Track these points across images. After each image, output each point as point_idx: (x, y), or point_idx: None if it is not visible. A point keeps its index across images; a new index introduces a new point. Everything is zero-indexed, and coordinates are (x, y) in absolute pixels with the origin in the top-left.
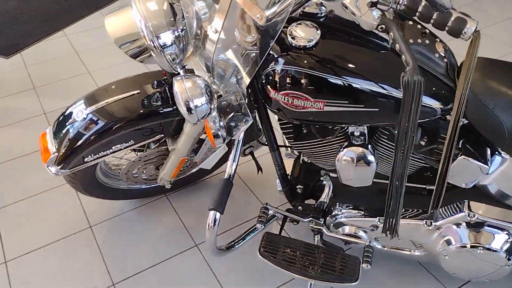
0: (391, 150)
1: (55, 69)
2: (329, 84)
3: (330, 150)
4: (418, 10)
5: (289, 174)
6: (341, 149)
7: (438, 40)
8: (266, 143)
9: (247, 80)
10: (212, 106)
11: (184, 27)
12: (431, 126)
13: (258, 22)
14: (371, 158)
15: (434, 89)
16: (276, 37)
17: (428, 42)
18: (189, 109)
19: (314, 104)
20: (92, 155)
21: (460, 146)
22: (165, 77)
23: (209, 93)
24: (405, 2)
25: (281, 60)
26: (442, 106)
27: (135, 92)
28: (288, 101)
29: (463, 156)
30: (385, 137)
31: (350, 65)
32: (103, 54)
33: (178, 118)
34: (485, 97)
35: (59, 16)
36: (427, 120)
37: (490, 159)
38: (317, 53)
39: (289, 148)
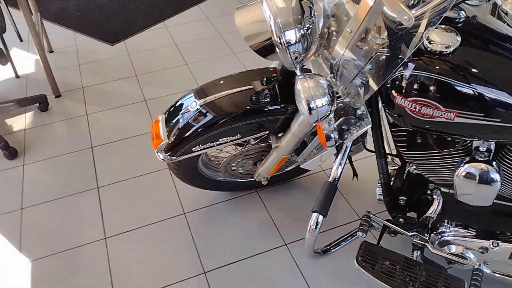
0: None
1: (155, 58)
2: (464, 94)
3: (447, 163)
4: None
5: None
6: (462, 164)
7: None
8: (372, 149)
9: (374, 86)
10: (332, 108)
11: (311, 26)
12: None
13: (405, 23)
14: (496, 176)
15: None
16: (419, 42)
17: None
18: (310, 109)
19: (444, 114)
20: (200, 145)
21: None
22: (275, 75)
23: (331, 94)
24: None
25: (411, 65)
26: None
27: (244, 88)
28: (415, 108)
29: None
30: None
31: (490, 76)
32: (200, 47)
33: (285, 116)
34: None
35: (162, 8)
36: None
37: None
38: (454, 60)
39: (392, 157)
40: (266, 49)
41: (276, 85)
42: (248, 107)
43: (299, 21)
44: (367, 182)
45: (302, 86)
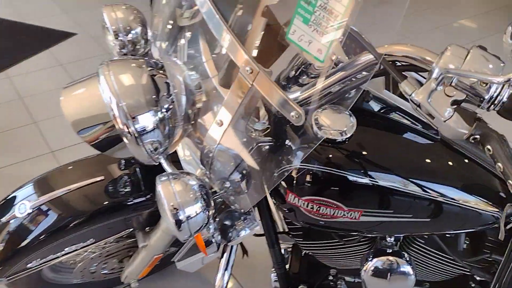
0: (427, 256)
1: None
2: (369, 190)
3: (350, 253)
4: None
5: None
6: (369, 258)
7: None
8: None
9: (263, 189)
10: (210, 214)
11: (171, 106)
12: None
13: (294, 122)
14: (408, 269)
15: (492, 189)
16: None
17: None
18: (178, 222)
19: (348, 213)
20: (39, 259)
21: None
22: None
23: (205, 197)
24: (504, 101)
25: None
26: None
27: (98, 178)
28: (312, 208)
29: None
30: (422, 242)
31: (397, 166)
32: (51, 100)
33: (152, 210)
34: None
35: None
36: (485, 227)
37: None
38: (352, 148)
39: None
40: (108, 141)
41: (137, 169)
42: (105, 203)
43: (153, 102)
44: (259, 258)
45: (165, 191)
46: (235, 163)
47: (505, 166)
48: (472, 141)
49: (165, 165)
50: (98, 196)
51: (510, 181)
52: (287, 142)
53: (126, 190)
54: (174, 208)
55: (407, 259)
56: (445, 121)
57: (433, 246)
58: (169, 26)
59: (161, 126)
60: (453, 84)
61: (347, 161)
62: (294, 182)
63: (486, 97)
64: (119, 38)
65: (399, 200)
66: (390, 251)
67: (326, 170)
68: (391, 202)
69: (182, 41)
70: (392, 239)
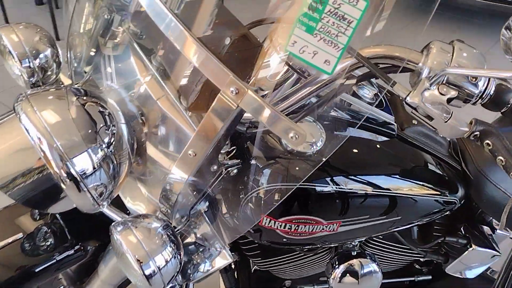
0: (386, 250)
1: None
2: (347, 197)
3: (309, 262)
4: (509, 103)
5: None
6: (335, 265)
7: None
8: None
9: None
10: (182, 257)
11: (112, 139)
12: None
13: (293, 145)
14: (375, 267)
15: (447, 178)
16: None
17: None
18: (150, 275)
19: (327, 227)
20: None
21: (463, 233)
22: None
23: (173, 239)
24: (491, 94)
25: (274, 175)
26: (459, 195)
27: (11, 239)
28: (290, 228)
29: (474, 247)
30: (380, 237)
31: (371, 169)
32: None
33: (85, 260)
34: (488, 170)
35: None
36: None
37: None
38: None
39: None
40: (43, 193)
41: (57, 215)
42: (20, 266)
43: (92, 138)
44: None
45: (127, 242)
46: (201, 194)
47: (507, 159)
48: (472, 138)
49: (108, 211)
50: (14, 258)
51: None
52: (252, 161)
53: (48, 244)
54: (140, 261)
55: (372, 257)
56: (446, 121)
57: (390, 239)
58: (92, 53)
59: (105, 164)
60: (444, 82)
61: (318, 172)
62: (266, 204)
63: (476, 91)
64: (26, 65)
65: (375, 202)
66: (354, 253)
67: (304, 186)
68: (367, 207)
69: (111, 64)
70: (356, 241)
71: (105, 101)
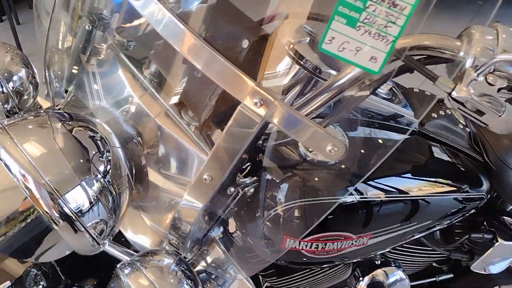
0: (409, 254)
1: None
2: (375, 206)
3: (327, 276)
4: None
5: None
6: (359, 277)
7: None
8: None
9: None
10: None
11: (108, 167)
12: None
13: (331, 158)
14: (401, 274)
15: (473, 173)
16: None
17: (448, 112)
18: None
19: (356, 241)
20: None
21: (487, 228)
22: None
23: (190, 274)
24: None
25: (294, 191)
26: (485, 188)
27: (3, 286)
28: (316, 247)
29: (501, 241)
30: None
31: (395, 172)
32: None
33: None
34: (509, 158)
35: None
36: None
37: None
38: (349, 165)
39: None
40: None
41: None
42: None
43: (85, 168)
44: None
45: (139, 285)
46: (215, 220)
47: None
48: None
49: (110, 249)
50: None
51: None
52: (267, 176)
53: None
54: None
55: (396, 264)
56: (500, 115)
57: (412, 242)
58: (74, 70)
59: (103, 197)
60: (492, 71)
61: (340, 181)
62: (291, 225)
63: None
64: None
65: (403, 209)
66: (378, 262)
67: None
68: (396, 214)
69: (97, 80)
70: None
71: (95, 123)
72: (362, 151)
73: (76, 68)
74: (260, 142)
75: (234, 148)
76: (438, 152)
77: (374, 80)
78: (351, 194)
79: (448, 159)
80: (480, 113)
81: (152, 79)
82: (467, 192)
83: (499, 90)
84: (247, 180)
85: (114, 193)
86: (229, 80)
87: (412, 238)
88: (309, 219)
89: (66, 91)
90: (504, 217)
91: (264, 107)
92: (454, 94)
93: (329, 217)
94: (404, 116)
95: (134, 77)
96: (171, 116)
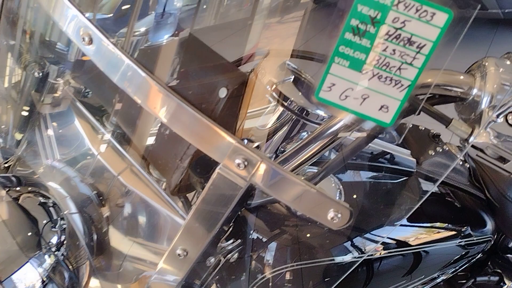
0: None
1: None
2: (372, 263)
3: None
4: None
5: None
6: None
7: (444, 141)
8: None
9: None
10: None
11: (62, 238)
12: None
13: (334, 226)
14: None
15: (475, 213)
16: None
17: (445, 147)
18: None
19: None
20: None
21: (492, 269)
22: None
23: None
24: None
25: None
26: (490, 228)
27: None
28: None
29: (508, 283)
30: None
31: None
32: None
33: None
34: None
35: None
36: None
37: None
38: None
39: None
40: None
41: None
42: None
43: (33, 243)
44: None
45: None
46: None
47: None
48: None
49: None
50: None
51: None
52: (253, 235)
53: None
54: None
55: None
56: None
57: None
58: (24, 113)
59: (57, 276)
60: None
61: (334, 237)
62: None
63: None
64: None
65: (404, 263)
66: None
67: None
68: (398, 270)
69: (49, 131)
70: None
71: (46, 187)
72: (360, 198)
73: (27, 118)
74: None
75: (212, 217)
76: (436, 193)
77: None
78: (350, 252)
79: (447, 199)
80: (503, 159)
81: (115, 130)
82: (470, 235)
83: None
84: (230, 246)
85: (70, 268)
86: (205, 137)
87: None
88: (303, 284)
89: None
90: (509, 255)
91: (249, 168)
92: (472, 139)
93: (321, 279)
94: (400, 155)
95: (93, 129)
96: (137, 173)
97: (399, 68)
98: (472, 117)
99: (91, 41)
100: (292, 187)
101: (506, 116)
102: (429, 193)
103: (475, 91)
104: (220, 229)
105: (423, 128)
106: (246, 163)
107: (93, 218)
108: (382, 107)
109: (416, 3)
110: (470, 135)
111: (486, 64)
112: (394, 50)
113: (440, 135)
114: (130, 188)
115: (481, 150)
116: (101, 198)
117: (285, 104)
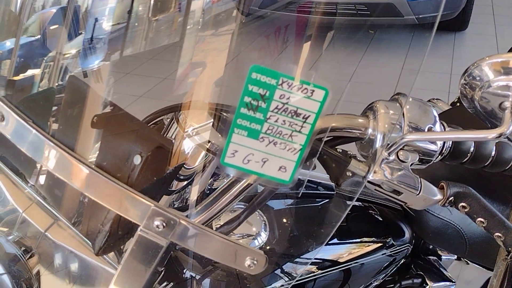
0: None
1: None
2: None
3: None
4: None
5: None
6: None
7: None
8: None
9: None
10: None
11: None
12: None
13: (251, 272)
14: None
15: (392, 225)
16: None
17: None
18: None
19: None
20: None
21: (415, 271)
22: None
23: None
24: (450, 147)
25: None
26: (408, 237)
27: None
28: None
29: (430, 283)
30: None
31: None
32: None
33: None
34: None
35: None
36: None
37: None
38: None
39: None
40: None
41: None
42: None
43: None
44: None
45: None
46: None
47: (488, 219)
48: (447, 204)
49: None
50: None
51: (497, 234)
52: (187, 274)
53: None
54: None
55: None
56: (418, 194)
57: None
58: None
59: None
60: (403, 147)
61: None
62: None
63: (436, 149)
64: None
65: (337, 279)
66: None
67: None
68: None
69: None
70: None
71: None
72: (288, 227)
73: None
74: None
75: (139, 272)
76: (356, 209)
77: None
78: (281, 278)
79: (368, 214)
80: (398, 193)
81: (39, 188)
82: (393, 245)
83: (411, 165)
84: None
85: None
86: (123, 203)
87: None
88: None
89: None
90: (429, 256)
91: (167, 228)
92: (369, 177)
93: None
94: (320, 181)
95: (15, 185)
96: (64, 228)
97: (291, 135)
98: (370, 154)
99: (3, 118)
100: (210, 241)
101: (396, 153)
102: (349, 208)
103: (370, 131)
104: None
105: (340, 151)
106: (164, 223)
107: (22, 275)
108: (280, 167)
109: (297, 83)
110: (367, 173)
111: (377, 106)
112: (284, 121)
113: (355, 156)
114: (58, 243)
115: (379, 185)
116: (29, 254)
117: (206, 146)
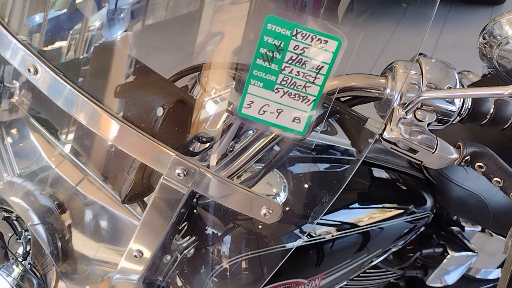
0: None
1: None
2: (322, 246)
3: None
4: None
5: None
6: None
7: None
8: None
9: None
10: None
11: (28, 248)
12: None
13: (267, 221)
14: None
15: (414, 193)
16: None
17: None
18: None
19: (309, 285)
20: None
21: (437, 241)
22: None
23: None
24: (468, 107)
25: (238, 243)
26: (429, 205)
27: None
28: None
29: (451, 253)
30: None
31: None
32: None
33: None
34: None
35: None
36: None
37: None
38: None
39: None
40: None
41: None
42: None
43: (1, 256)
44: None
45: None
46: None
47: (504, 179)
48: (463, 164)
49: None
50: None
51: None
52: (208, 231)
53: None
54: None
55: None
56: (434, 153)
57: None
58: None
59: (26, 283)
60: (420, 106)
61: (283, 225)
62: (237, 278)
63: (455, 109)
64: None
65: (351, 243)
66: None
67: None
68: (345, 250)
69: (7, 147)
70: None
71: (8, 202)
72: (306, 189)
73: None
74: (195, 200)
75: (161, 220)
76: (380, 177)
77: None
78: (300, 238)
79: (391, 182)
80: (414, 151)
81: (70, 143)
82: (414, 212)
83: (428, 124)
84: (185, 243)
85: (38, 275)
86: (147, 153)
87: (370, 265)
88: (258, 271)
89: None
90: (452, 227)
91: (188, 177)
92: (385, 135)
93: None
94: (342, 146)
95: (48, 142)
96: (94, 182)
97: (305, 87)
98: (387, 114)
99: (36, 72)
100: (227, 190)
101: (414, 112)
102: (360, 161)
103: (388, 91)
104: (171, 230)
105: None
106: (185, 172)
107: (55, 227)
108: (294, 119)
109: (311, 33)
110: (384, 130)
111: (396, 66)
112: (298, 72)
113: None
114: (88, 197)
115: (395, 144)
116: (61, 207)
117: (229, 108)
